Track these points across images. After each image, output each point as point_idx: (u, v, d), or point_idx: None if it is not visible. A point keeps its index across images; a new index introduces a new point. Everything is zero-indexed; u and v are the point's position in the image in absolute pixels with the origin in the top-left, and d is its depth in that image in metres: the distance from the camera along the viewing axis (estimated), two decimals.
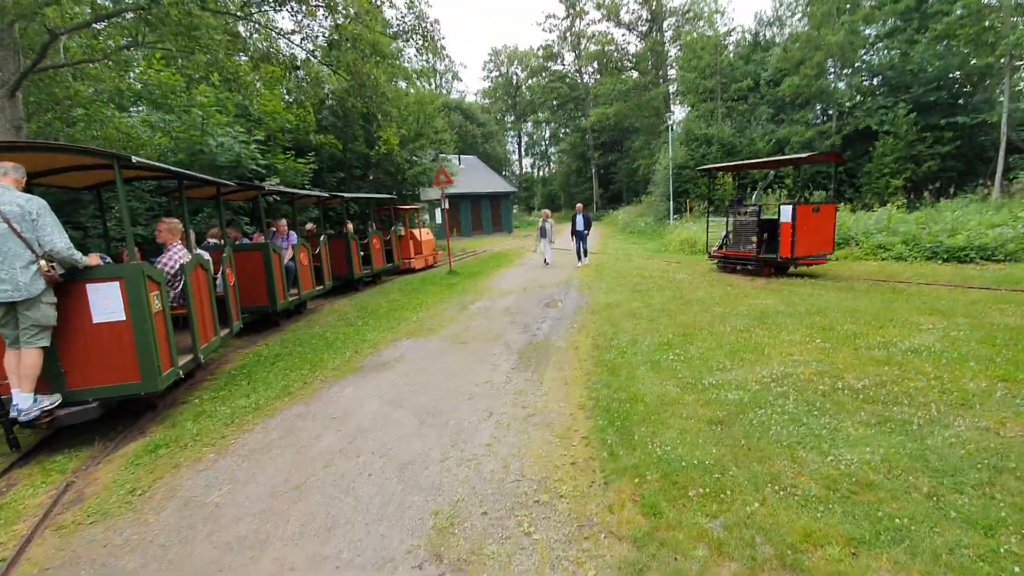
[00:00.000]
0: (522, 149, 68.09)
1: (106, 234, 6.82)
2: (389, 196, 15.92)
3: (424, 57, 54.47)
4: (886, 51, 24.16)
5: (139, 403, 4.85)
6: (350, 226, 12.98)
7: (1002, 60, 18.94)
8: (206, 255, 6.35)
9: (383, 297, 11.67)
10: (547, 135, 65.32)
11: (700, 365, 5.33)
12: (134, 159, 4.51)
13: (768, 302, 8.23)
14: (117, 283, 4.32)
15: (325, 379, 5.86)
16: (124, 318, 4.35)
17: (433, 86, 54.45)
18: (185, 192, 6.21)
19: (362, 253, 12.89)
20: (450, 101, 43.19)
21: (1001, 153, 18.88)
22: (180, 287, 5.51)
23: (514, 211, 64.23)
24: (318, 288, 10.52)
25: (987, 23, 18.59)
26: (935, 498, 2.81)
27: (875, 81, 25.16)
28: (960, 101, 22.65)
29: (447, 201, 14.54)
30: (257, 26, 12.08)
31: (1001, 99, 19.25)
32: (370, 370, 6.08)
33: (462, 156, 36.37)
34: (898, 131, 21.50)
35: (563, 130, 58.00)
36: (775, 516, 2.76)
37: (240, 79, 10.70)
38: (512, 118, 63.74)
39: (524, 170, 71.46)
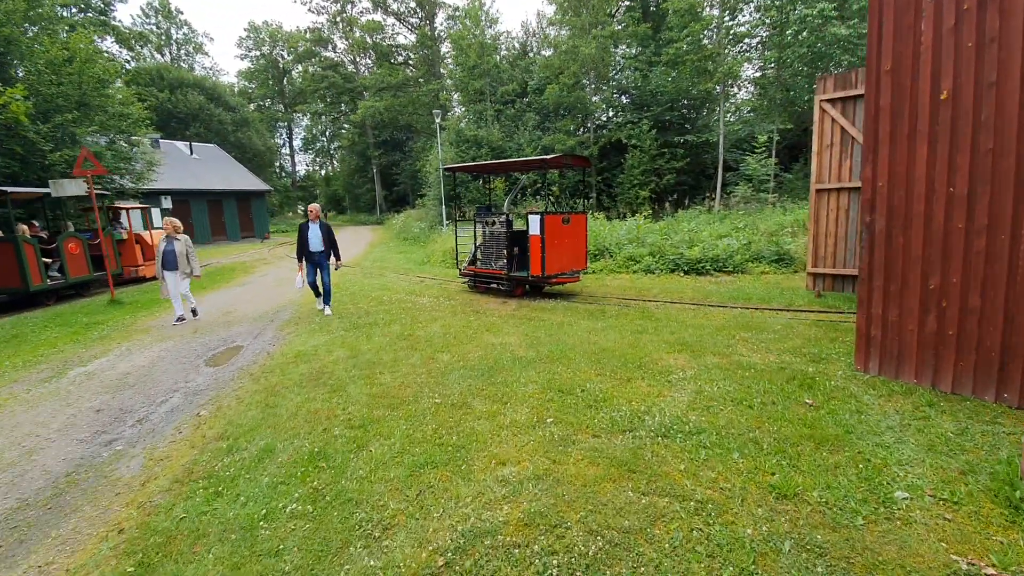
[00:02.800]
0: (294, 143, 60.45)
1: None
2: (102, 191, 13.19)
3: (154, 21, 44.38)
4: (631, 71, 26.06)
5: None
6: (24, 228, 10.78)
7: (717, 88, 21.49)
8: None
9: None
10: (326, 130, 58.97)
11: (338, 522, 2.84)
12: None
13: (510, 340, 6.35)
14: None
15: None
16: None
17: (168, 57, 44.54)
18: None
19: (49, 260, 10.97)
20: (187, 77, 35.02)
21: (720, 170, 21.36)
22: None
23: (291, 214, 56.77)
24: None
25: (707, 53, 20.79)
26: None
27: (624, 98, 27.06)
28: (688, 124, 25.48)
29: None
30: None
31: (719, 121, 21.86)
32: None
33: (196, 144, 29.35)
34: (643, 145, 23.00)
35: (343, 126, 52.72)
36: None
37: None
38: (281, 107, 56.00)
39: (305, 167, 64.00)
